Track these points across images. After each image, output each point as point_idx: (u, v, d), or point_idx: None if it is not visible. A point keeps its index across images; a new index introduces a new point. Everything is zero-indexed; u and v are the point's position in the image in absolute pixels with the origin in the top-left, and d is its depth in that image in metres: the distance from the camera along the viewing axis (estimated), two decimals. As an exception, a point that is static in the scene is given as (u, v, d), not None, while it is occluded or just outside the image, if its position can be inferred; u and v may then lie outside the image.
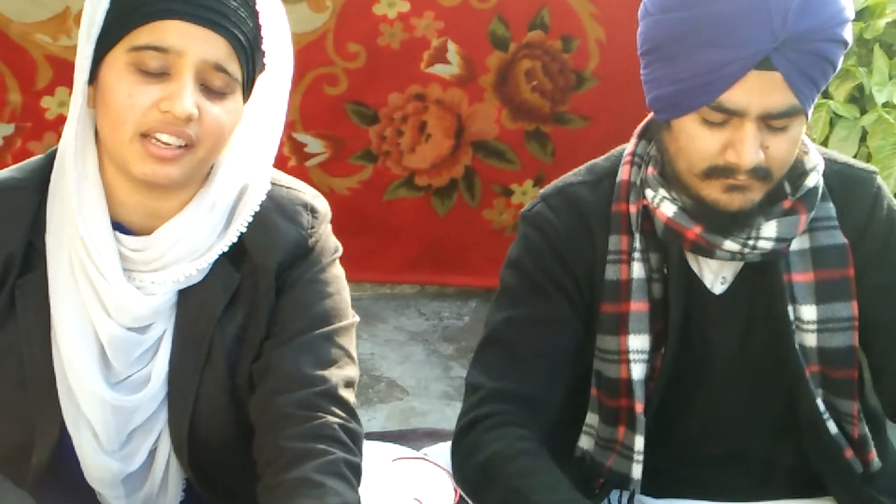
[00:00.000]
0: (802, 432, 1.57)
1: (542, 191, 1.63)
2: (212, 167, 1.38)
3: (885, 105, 2.73)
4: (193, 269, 1.35)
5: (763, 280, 1.54)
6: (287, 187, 1.45)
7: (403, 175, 3.67)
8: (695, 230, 1.47)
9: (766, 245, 1.47)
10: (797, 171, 1.50)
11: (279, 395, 1.36)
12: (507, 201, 3.71)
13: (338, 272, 1.47)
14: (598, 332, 1.56)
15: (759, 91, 1.36)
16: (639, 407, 1.52)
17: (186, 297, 1.37)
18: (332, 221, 1.49)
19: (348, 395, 1.40)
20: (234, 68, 1.29)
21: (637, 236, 1.52)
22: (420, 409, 3.09)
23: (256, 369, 1.40)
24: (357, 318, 1.48)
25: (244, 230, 1.37)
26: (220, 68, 1.28)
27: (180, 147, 1.28)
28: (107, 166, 1.34)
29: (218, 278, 1.38)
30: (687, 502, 1.64)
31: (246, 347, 1.40)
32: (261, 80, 1.36)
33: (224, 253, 1.37)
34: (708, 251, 1.49)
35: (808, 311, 1.52)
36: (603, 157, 1.64)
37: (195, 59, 1.26)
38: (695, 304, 1.55)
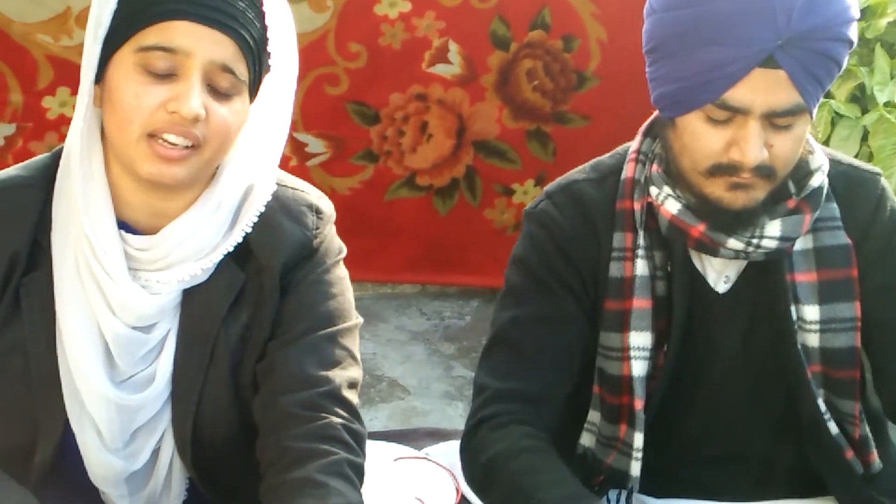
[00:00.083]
0: (803, 432, 1.57)
1: (546, 188, 1.63)
2: (217, 167, 1.38)
3: (887, 104, 2.73)
4: (198, 268, 1.35)
5: (766, 280, 1.54)
6: (292, 188, 1.45)
7: (405, 175, 3.67)
8: (699, 228, 1.47)
9: (770, 244, 1.47)
10: (802, 171, 1.50)
11: (283, 395, 1.36)
12: (508, 201, 3.71)
13: (342, 273, 1.48)
14: (602, 329, 1.56)
15: (763, 89, 1.36)
16: (639, 404, 1.52)
17: (191, 297, 1.38)
18: (334, 222, 1.50)
19: (352, 395, 1.40)
20: (241, 69, 1.30)
21: (641, 233, 1.53)
22: (421, 408, 3.09)
23: (260, 369, 1.40)
24: (361, 320, 1.48)
25: (249, 230, 1.38)
26: (227, 69, 1.28)
27: (187, 147, 1.28)
28: (112, 165, 1.34)
29: (223, 278, 1.38)
30: (687, 502, 1.64)
31: (250, 347, 1.41)
32: (267, 81, 1.36)
33: (229, 253, 1.37)
34: (712, 249, 1.49)
35: (811, 312, 1.52)
36: (608, 155, 1.64)
37: (203, 59, 1.26)
38: (698, 302, 1.55)
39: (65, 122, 3.36)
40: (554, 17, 3.46)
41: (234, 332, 1.39)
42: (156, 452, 1.41)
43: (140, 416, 1.37)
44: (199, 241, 1.35)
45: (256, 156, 1.39)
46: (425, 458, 1.95)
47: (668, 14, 1.41)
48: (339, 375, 1.39)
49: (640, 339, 1.52)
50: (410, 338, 3.57)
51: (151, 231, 1.36)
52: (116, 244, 1.33)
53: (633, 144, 1.59)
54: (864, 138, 2.77)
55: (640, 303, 1.52)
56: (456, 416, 2.99)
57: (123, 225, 1.35)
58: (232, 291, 1.39)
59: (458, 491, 1.84)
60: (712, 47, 1.36)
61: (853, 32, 1.40)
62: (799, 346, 1.53)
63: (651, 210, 1.53)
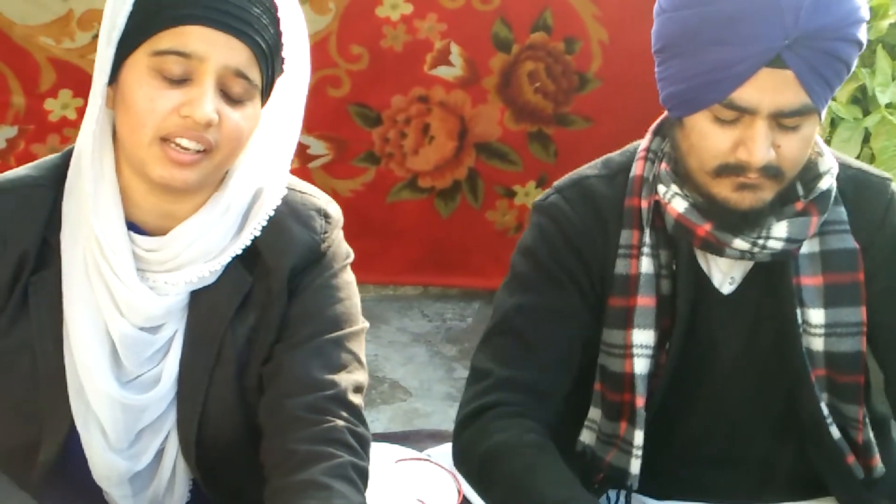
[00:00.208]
0: (805, 435, 1.57)
1: (556, 182, 1.63)
2: (227, 170, 1.38)
3: (888, 106, 2.73)
4: (206, 270, 1.36)
5: (772, 282, 1.54)
6: (301, 192, 1.46)
7: (406, 177, 3.67)
8: (705, 227, 1.47)
9: (776, 245, 1.47)
10: (811, 174, 1.50)
11: (288, 398, 1.37)
12: (510, 203, 3.71)
13: (349, 278, 1.48)
14: (605, 325, 1.56)
15: (770, 89, 1.36)
16: (640, 401, 1.53)
17: (198, 299, 1.38)
18: (342, 226, 1.50)
19: (357, 399, 1.41)
20: (255, 75, 1.30)
21: (647, 231, 1.53)
22: (423, 410, 3.09)
23: (266, 372, 1.40)
24: (367, 324, 1.49)
25: (258, 234, 1.38)
26: (240, 75, 1.29)
27: (199, 152, 1.29)
28: (123, 167, 1.35)
29: (230, 280, 1.39)
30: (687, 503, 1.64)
31: (256, 350, 1.41)
32: (279, 85, 1.37)
33: (237, 255, 1.38)
34: (718, 249, 1.49)
35: (816, 315, 1.52)
36: (618, 152, 1.64)
37: (217, 65, 1.27)
38: (702, 302, 1.55)
39: (66, 124, 3.37)
40: (556, 19, 3.46)
41: (241, 334, 1.40)
42: (160, 453, 1.42)
43: (145, 417, 1.38)
44: (208, 243, 1.36)
45: (266, 159, 1.40)
46: (427, 460, 1.95)
47: (677, 14, 1.41)
48: (344, 379, 1.40)
49: (643, 337, 1.52)
50: (412, 339, 3.57)
51: (160, 232, 1.36)
52: (125, 245, 1.34)
53: (643, 143, 1.59)
54: (866, 140, 2.77)
55: (645, 300, 1.52)
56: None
57: (132, 226, 1.36)
58: (239, 294, 1.39)
59: (459, 492, 1.84)
60: (719, 47, 1.36)
61: (863, 33, 1.40)
62: (803, 350, 1.52)
63: (658, 208, 1.53)
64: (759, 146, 1.38)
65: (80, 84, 3.30)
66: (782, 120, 1.39)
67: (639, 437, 1.53)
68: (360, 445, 1.37)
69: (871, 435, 1.57)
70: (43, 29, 3.31)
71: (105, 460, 1.38)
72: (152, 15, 1.26)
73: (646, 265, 1.52)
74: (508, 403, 1.52)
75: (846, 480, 1.56)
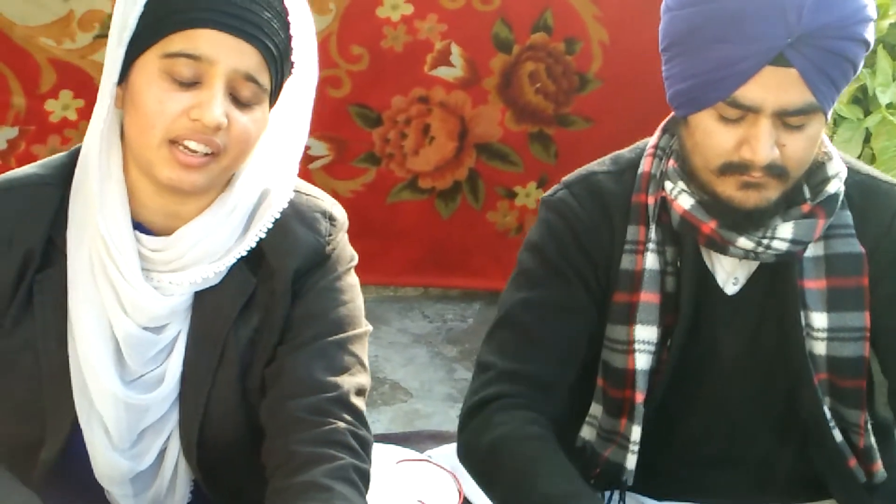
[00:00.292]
0: (806, 437, 1.57)
1: (564, 178, 1.63)
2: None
3: (889, 106, 2.73)
4: (211, 271, 1.36)
5: (776, 284, 1.53)
6: (306, 194, 1.46)
7: (407, 178, 3.67)
8: (710, 225, 1.47)
9: (780, 245, 1.46)
10: (818, 177, 1.50)
11: (291, 399, 1.37)
12: (510, 203, 3.70)
13: (353, 281, 1.48)
14: (609, 321, 1.56)
15: (774, 87, 1.36)
16: (639, 397, 1.53)
17: (202, 299, 1.38)
18: (346, 229, 1.50)
19: (359, 402, 1.41)
20: (264, 79, 1.30)
21: (653, 227, 1.53)
22: (424, 411, 3.09)
23: (269, 373, 1.41)
24: (370, 328, 1.49)
25: (263, 236, 1.39)
26: (250, 78, 1.29)
27: (207, 155, 1.29)
28: (130, 167, 1.35)
29: (234, 281, 1.39)
30: (687, 504, 1.64)
31: (259, 351, 1.41)
32: (287, 87, 1.37)
33: (242, 257, 1.38)
34: (722, 247, 1.49)
35: (819, 319, 1.52)
36: (628, 149, 1.64)
37: (227, 68, 1.27)
38: (706, 300, 1.55)
39: (67, 125, 3.37)
40: (556, 20, 3.46)
41: (244, 335, 1.40)
42: (162, 453, 1.42)
43: (148, 417, 1.38)
44: (213, 244, 1.36)
45: (273, 161, 1.40)
46: (427, 461, 1.95)
47: (682, 12, 1.42)
48: (347, 381, 1.40)
49: (645, 333, 1.52)
50: (413, 340, 3.57)
51: (166, 232, 1.37)
52: (131, 244, 1.34)
53: (652, 139, 1.59)
54: (867, 140, 2.77)
55: (648, 296, 1.52)
56: (458, 418, 2.98)
57: (138, 225, 1.36)
58: (243, 295, 1.40)
59: (460, 493, 1.84)
60: (723, 44, 1.37)
61: (870, 33, 1.40)
62: (807, 353, 1.52)
63: (665, 205, 1.53)
64: (763, 144, 1.38)
65: (81, 85, 3.30)
66: (787, 119, 1.39)
67: (636, 432, 1.53)
68: (362, 448, 1.37)
69: (873, 441, 1.57)
70: (43, 30, 3.31)
71: (107, 459, 1.38)
72: (163, 17, 1.26)
73: (651, 261, 1.53)
74: (512, 396, 1.52)
75: (847, 483, 1.56)
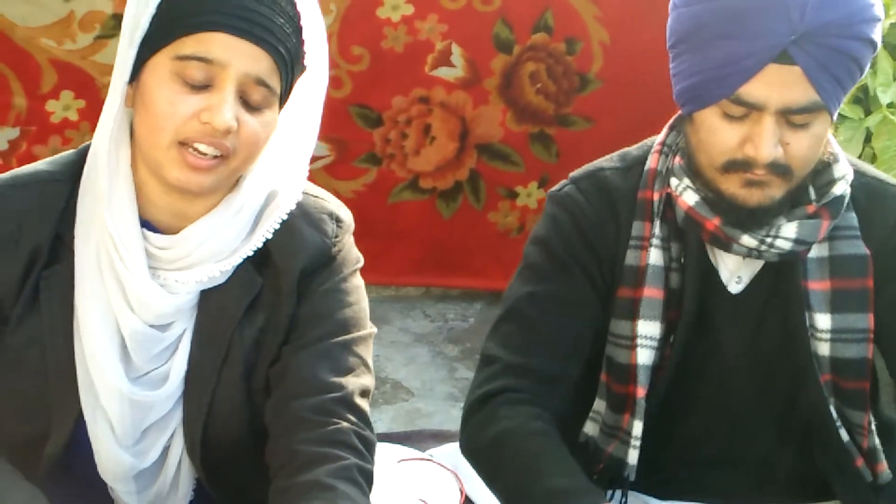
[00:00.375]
0: (811, 437, 1.57)
1: (571, 173, 1.64)
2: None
3: (890, 106, 2.73)
4: (217, 270, 1.37)
5: (780, 284, 1.54)
6: (313, 196, 1.47)
7: (408, 178, 3.67)
8: (714, 221, 1.47)
9: (784, 245, 1.47)
10: (824, 179, 1.50)
11: (295, 399, 1.37)
12: (511, 203, 3.71)
13: (358, 282, 1.49)
14: (613, 316, 1.57)
15: (778, 84, 1.36)
16: (640, 392, 1.53)
17: (208, 298, 1.39)
18: (352, 231, 1.50)
19: (363, 403, 1.41)
20: (275, 82, 1.31)
21: (657, 223, 1.53)
22: (425, 410, 3.09)
23: (273, 373, 1.41)
24: (375, 329, 1.50)
25: (270, 236, 1.39)
26: (261, 83, 1.29)
27: (216, 157, 1.30)
28: (139, 166, 1.36)
29: (240, 281, 1.39)
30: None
31: (264, 351, 1.42)
32: (297, 89, 1.38)
33: (248, 257, 1.39)
34: (725, 244, 1.49)
35: (823, 320, 1.52)
36: (636, 146, 1.65)
37: (238, 72, 1.27)
38: (709, 298, 1.55)
39: (68, 125, 3.37)
40: (557, 20, 3.46)
41: (249, 334, 1.41)
42: (165, 451, 1.42)
43: (152, 414, 1.39)
44: (219, 243, 1.37)
45: (281, 162, 1.41)
46: (429, 460, 1.96)
47: (688, 9, 1.42)
48: (351, 382, 1.40)
49: (648, 329, 1.53)
50: (414, 340, 3.57)
51: (173, 231, 1.37)
52: (138, 242, 1.34)
53: (659, 137, 1.60)
54: (867, 140, 2.77)
55: (652, 292, 1.53)
56: (459, 417, 2.98)
57: (146, 223, 1.37)
58: (249, 295, 1.40)
59: (461, 492, 1.84)
60: (727, 41, 1.37)
61: (876, 33, 1.39)
62: (812, 353, 1.52)
63: (670, 201, 1.54)
64: (766, 142, 1.38)
65: (82, 85, 3.30)
66: (791, 117, 1.39)
67: (637, 427, 1.54)
68: (366, 448, 1.38)
69: (877, 442, 1.57)
70: (44, 30, 3.31)
71: (112, 455, 1.39)
72: (176, 19, 1.27)
73: (655, 257, 1.53)
74: (516, 389, 1.52)
75: (854, 483, 1.56)
